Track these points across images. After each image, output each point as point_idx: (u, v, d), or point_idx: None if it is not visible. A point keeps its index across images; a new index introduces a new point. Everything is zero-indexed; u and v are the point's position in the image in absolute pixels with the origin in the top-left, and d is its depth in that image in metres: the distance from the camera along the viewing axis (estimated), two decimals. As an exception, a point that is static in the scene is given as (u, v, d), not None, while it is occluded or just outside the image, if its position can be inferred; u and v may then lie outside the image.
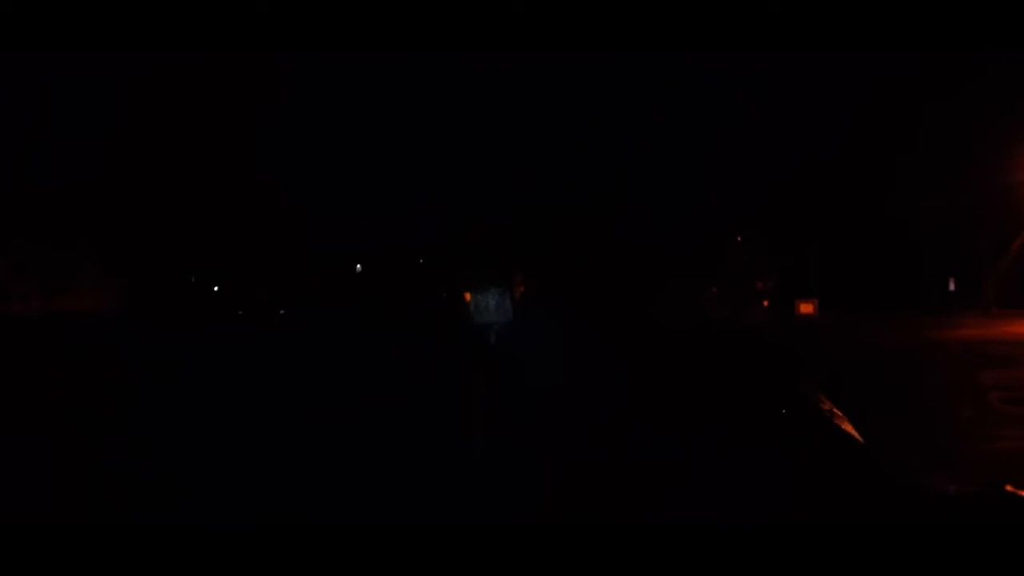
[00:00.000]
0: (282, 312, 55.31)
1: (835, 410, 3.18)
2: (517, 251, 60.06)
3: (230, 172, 54.71)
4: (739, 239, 53.88)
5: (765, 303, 48.68)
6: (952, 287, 47.13)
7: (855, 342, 23.09)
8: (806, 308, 44.19)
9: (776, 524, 1.78)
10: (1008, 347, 18.61)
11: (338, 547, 1.74)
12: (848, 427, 3.07)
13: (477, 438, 7.08)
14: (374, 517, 1.99)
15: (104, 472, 5.38)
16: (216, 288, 61.01)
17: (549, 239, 58.03)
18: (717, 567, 1.64)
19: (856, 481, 2.38)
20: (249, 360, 19.24)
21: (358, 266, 65.52)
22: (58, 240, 46.62)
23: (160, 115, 54.65)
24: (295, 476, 4.97)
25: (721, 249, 53.56)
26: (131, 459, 6.29)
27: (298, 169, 62.75)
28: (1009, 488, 1.82)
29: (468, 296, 63.37)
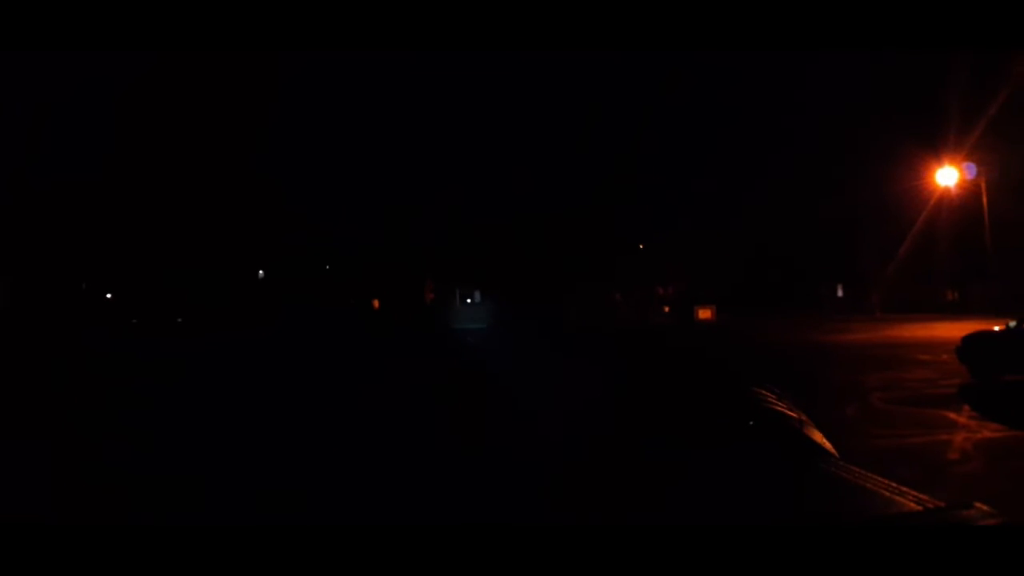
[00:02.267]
0: (179, 320, 53.48)
1: (803, 417, 3.02)
2: (436, 256, 59.73)
3: (136, 182, 52.66)
4: (641, 247, 55.14)
5: (666, 308, 49.97)
6: (840, 293, 49.39)
7: (750, 345, 23.93)
8: (704, 313, 45.62)
9: (764, 528, 1.79)
10: (890, 349, 19.62)
11: (336, 547, 1.76)
12: (819, 436, 2.88)
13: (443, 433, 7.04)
14: (371, 517, 2.00)
15: (97, 470, 5.15)
16: (109, 296, 58.45)
17: (465, 245, 57.96)
18: (707, 569, 1.65)
19: (831, 498, 2.33)
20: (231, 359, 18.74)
21: (260, 272, 63.90)
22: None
23: (58, 126, 52.06)
24: (293, 475, 4.85)
25: (624, 256, 54.63)
26: (118, 458, 6.04)
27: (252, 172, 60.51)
28: (978, 505, 1.87)
29: (376, 303, 62.61)
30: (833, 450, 2.72)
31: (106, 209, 51.66)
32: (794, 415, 2.95)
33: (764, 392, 3.28)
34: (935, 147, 38.77)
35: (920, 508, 1.95)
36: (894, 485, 2.09)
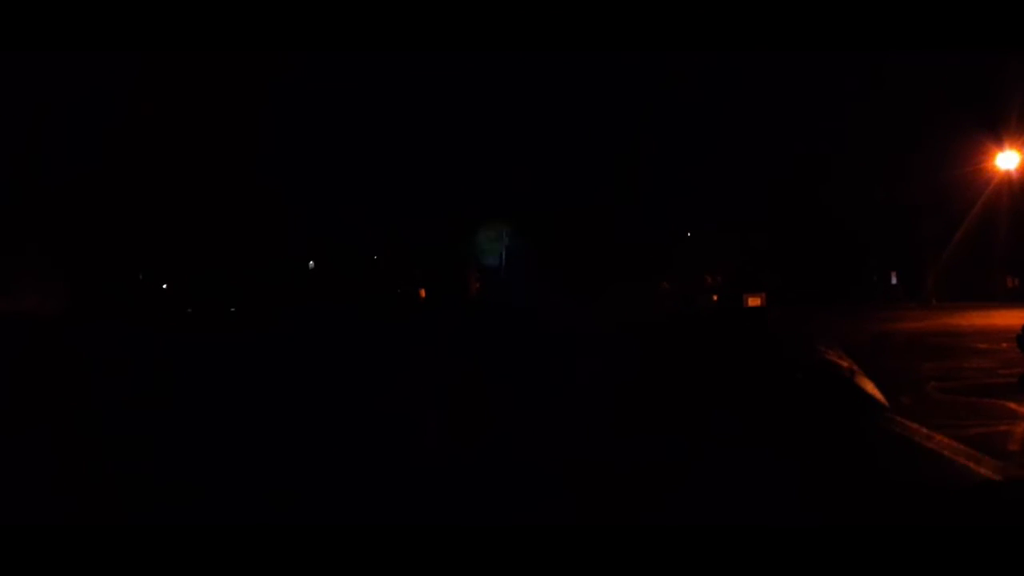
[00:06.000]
0: (232, 310, 54.54)
1: (855, 367, 3.03)
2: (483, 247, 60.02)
3: (187, 171, 53.63)
4: (688, 235, 54.61)
5: (714, 296, 49.48)
6: (894, 280, 48.36)
7: (802, 334, 23.52)
8: (754, 301, 45.01)
9: (777, 527, 1.80)
10: (947, 338, 19.20)
11: (337, 546, 1.80)
12: (870, 387, 2.89)
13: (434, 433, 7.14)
14: (372, 517, 2.02)
15: (104, 472, 5.31)
16: (164, 286, 59.87)
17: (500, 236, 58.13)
18: (717, 566, 1.66)
19: (884, 454, 2.34)
20: (238, 361, 19.12)
21: (311, 263, 64.89)
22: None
23: (107, 115, 53.35)
24: (295, 476, 4.95)
25: (672, 245, 54.21)
26: (130, 459, 6.24)
27: (265, 168, 61.62)
28: None
29: (423, 292, 63.34)
30: (884, 400, 2.72)
31: (157, 198, 52.78)
32: (845, 364, 2.99)
33: (816, 344, 3.34)
34: (995, 130, 37.64)
35: (999, 478, 1.93)
36: (958, 447, 2.06)
